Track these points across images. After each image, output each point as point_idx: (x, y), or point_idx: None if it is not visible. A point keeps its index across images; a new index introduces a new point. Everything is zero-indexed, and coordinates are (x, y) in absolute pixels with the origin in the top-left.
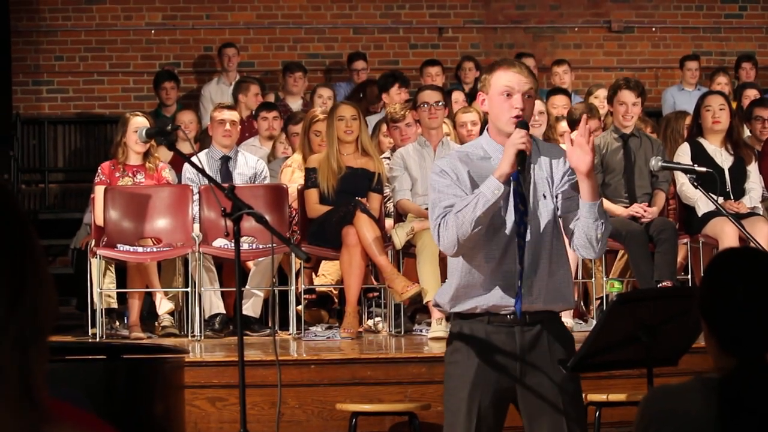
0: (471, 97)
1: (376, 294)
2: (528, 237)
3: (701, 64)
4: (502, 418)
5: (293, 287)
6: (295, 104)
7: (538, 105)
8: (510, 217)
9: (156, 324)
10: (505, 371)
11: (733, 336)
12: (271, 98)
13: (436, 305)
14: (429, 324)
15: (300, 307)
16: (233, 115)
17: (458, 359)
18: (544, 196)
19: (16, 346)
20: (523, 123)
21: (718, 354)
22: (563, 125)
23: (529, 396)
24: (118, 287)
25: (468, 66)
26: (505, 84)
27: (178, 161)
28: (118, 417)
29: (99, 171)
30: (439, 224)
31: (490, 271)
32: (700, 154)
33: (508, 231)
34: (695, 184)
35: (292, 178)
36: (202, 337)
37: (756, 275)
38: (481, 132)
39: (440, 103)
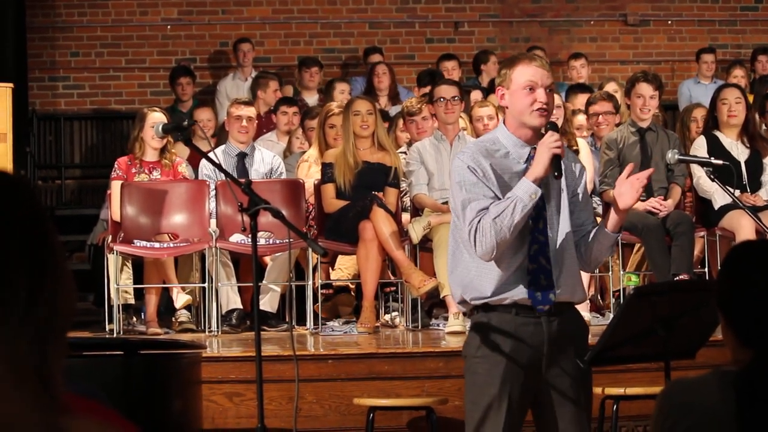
0: (489, 91)
1: (393, 288)
2: (549, 234)
3: (717, 56)
4: (526, 412)
5: (310, 282)
6: (312, 99)
7: (555, 98)
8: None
9: (173, 319)
10: (532, 364)
11: (751, 328)
12: (289, 93)
13: (462, 302)
14: (446, 318)
15: (318, 305)
16: (250, 111)
17: (486, 353)
18: (563, 193)
19: (35, 342)
20: (553, 125)
21: (736, 347)
22: (580, 118)
23: (555, 388)
24: (135, 283)
25: (493, 59)
26: (529, 78)
27: (194, 157)
28: (135, 412)
29: (116, 166)
30: (475, 230)
31: (517, 266)
32: (716, 147)
33: (531, 226)
34: (712, 177)
35: (309, 173)
36: (220, 333)
37: None
38: None
39: (456, 98)
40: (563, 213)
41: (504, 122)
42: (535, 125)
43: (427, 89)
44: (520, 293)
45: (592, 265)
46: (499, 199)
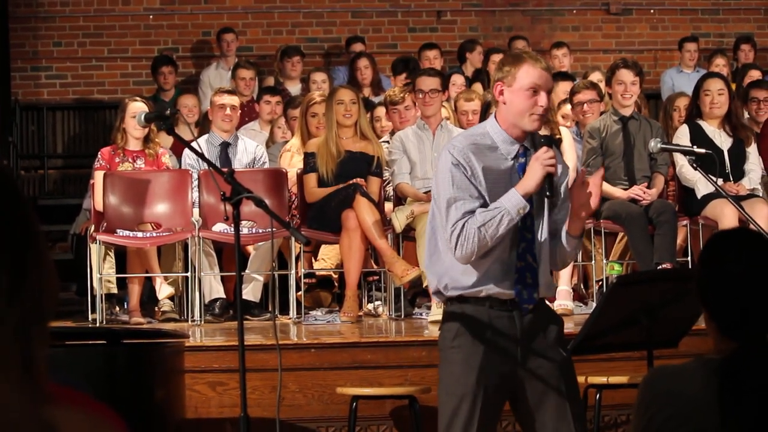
0: (471, 80)
1: (376, 278)
2: (535, 232)
3: (700, 45)
4: (503, 405)
5: (293, 271)
6: (294, 88)
7: None
8: None
9: (156, 309)
10: (508, 356)
11: (733, 321)
12: (270, 82)
13: (437, 292)
14: (429, 308)
15: (300, 293)
16: (233, 100)
17: (462, 343)
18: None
19: (18, 331)
20: (548, 139)
21: (718, 337)
22: (567, 108)
23: (533, 380)
24: (117, 272)
25: (479, 49)
26: (534, 81)
27: (177, 146)
28: (118, 401)
29: (99, 156)
30: (459, 233)
31: (497, 261)
32: (698, 136)
33: (519, 224)
34: (695, 165)
35: (291, 162)
36: (202, 322)
37: (751, 257)
38: (482, 117)
39: (435, 90)
40: (545, 211)
41: (495, 116)
42: (530, 130)
43: (403, 77)
44: (496, 288)
45: (560, 266)
46: (484, 199)
